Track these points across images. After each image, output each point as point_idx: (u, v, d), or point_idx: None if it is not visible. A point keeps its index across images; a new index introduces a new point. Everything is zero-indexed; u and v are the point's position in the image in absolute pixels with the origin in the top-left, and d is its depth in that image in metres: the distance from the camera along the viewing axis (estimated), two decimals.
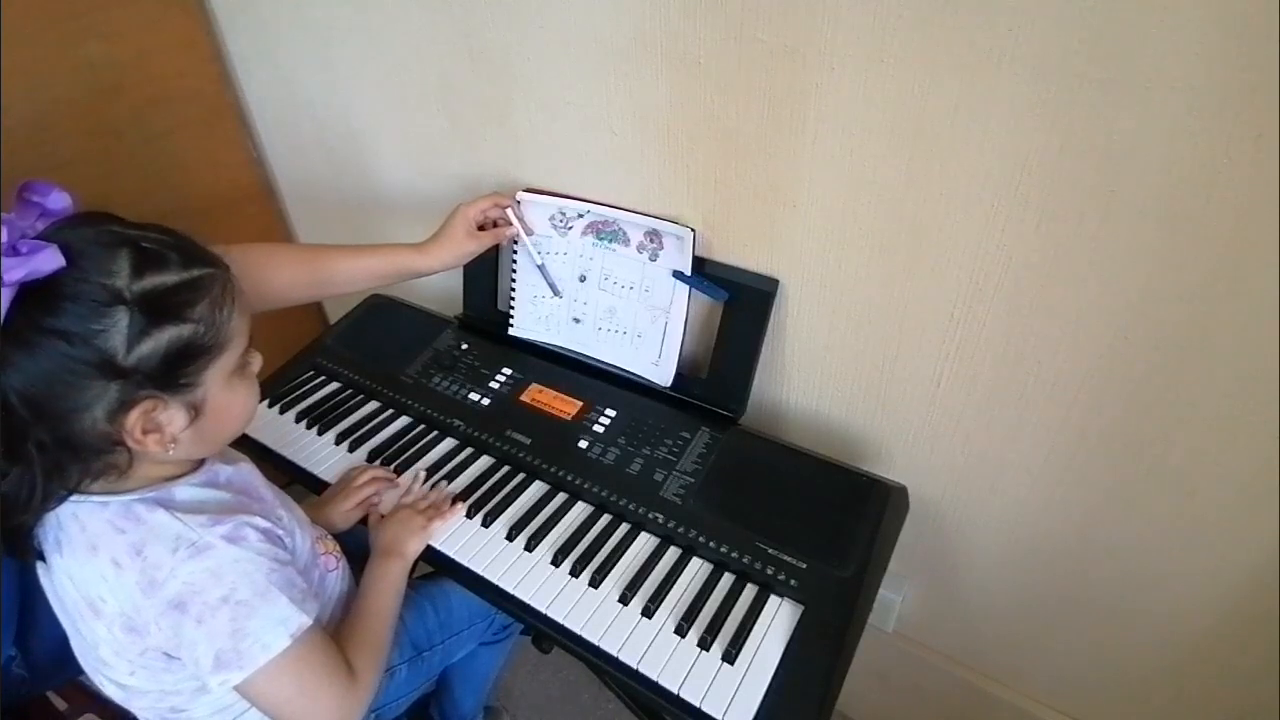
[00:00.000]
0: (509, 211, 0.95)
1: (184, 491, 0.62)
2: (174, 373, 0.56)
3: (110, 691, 0.65)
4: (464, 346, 1.07)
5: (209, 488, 0.64)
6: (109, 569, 0.58)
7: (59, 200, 0.55)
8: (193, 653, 0.58)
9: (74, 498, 0.58)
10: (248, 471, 0.70)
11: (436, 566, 0.82)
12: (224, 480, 0.66)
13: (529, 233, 0.97)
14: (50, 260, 0.50)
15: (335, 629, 0.72)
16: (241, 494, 0.66)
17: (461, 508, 0.84)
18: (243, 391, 0.63)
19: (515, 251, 1.02)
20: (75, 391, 0.53)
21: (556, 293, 1.00)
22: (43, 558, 0.62)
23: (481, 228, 0.94)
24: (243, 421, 0.65)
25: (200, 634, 0.57)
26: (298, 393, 1.04)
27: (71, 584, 0.60)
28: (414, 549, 0.80)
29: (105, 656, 0.62)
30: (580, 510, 0.85)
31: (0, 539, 0.59)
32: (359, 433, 0.97)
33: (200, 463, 0.65)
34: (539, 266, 0.99)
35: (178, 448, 0.59)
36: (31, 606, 0.68)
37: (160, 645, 0.59)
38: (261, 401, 0.99)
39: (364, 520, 0.87)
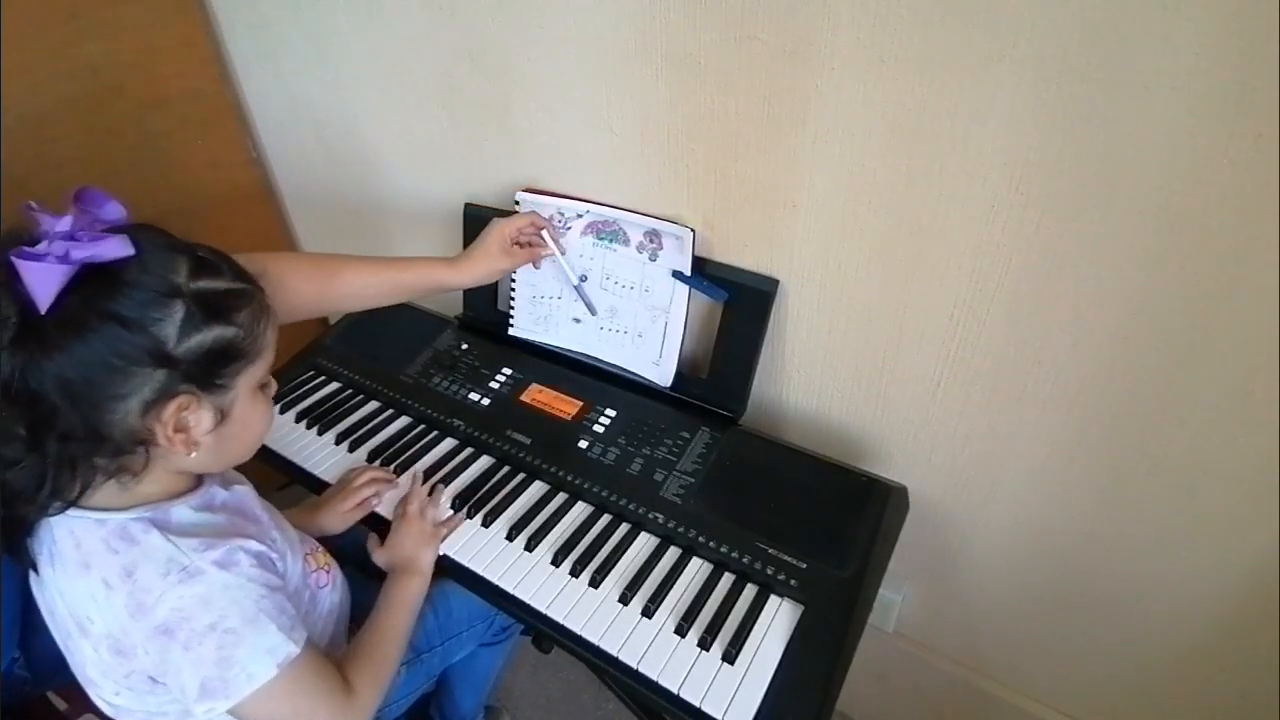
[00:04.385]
0: (544, 233, 0.95)
1: (180, 513, 0.61)
2: (212, 371, 0.58)
3: (101, 707, 0.65)
4: (464, 346, 1.07)
5: (204, 510, 0.63)
6: (99, 589, 0.57)
7: (114, 211, 0.57)
8: (179, 679, 0.58)
9: (72, 512, 0.57)
10: (244, 494, 0.70)
11: (436, 567, 0.82)
12: (219, 503, 0.66)
13: (563, 253, 0.97)
14: (118, 248, 0.52)
15: (341, 645, 0.71)
16: (237, 515, 0.66)
17: (462, 516, 0.85)
18: (262, 408, 0.65)
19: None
20: (120, 378, 0.53)
21: (593, 311, 0.99)
22: (36, 568, 0.62)
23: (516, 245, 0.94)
24: (257, 438, 0.66)
25: (187, 661, 0.57)
26: (298, 393, 1.04)
27: (61, 600, 0.60)
28: (429, 560, 0.81)
29: (92, 675, 0.62)
30: (580, 510, 0.85)
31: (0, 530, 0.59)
32: (359, 433, 0.97)
33: (199, 483, 0.65)
34: (575, 286, 0.98)
35: (198, 454, 0.60)
36: (34, 609, 0.68)
37: (146, 669, 0.59)
38: None
39: (364, 521, 0.87)
